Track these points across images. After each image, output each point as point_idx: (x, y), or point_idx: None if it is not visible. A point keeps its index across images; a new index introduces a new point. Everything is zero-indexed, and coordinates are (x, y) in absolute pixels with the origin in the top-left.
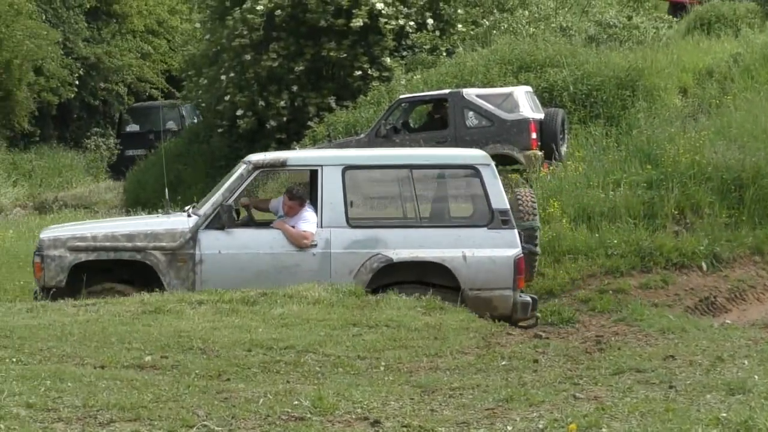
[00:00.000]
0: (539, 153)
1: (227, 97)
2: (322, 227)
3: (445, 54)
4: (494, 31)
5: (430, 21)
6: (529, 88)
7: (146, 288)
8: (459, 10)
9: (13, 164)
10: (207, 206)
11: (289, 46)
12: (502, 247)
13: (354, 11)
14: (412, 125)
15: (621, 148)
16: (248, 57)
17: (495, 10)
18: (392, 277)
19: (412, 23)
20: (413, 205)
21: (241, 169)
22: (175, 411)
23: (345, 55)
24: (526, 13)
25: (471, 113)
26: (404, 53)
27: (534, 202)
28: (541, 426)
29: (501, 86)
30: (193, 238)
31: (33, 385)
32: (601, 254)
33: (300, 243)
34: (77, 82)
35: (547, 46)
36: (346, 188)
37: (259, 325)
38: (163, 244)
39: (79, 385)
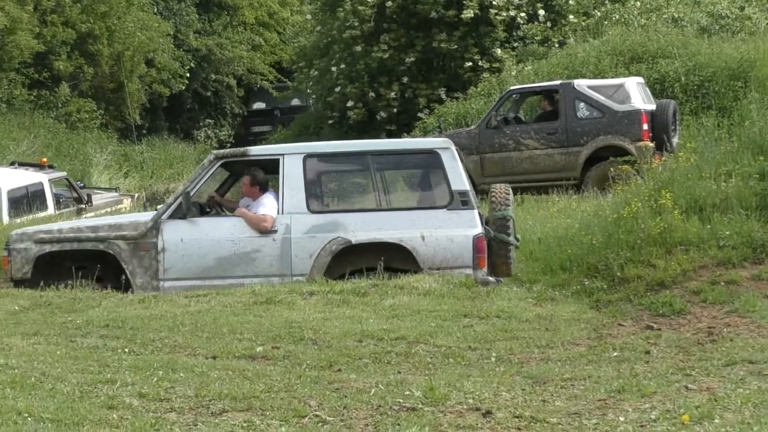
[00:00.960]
0: (650, 144)
1: (338, 89)
2: (283, 213)
3: (556, 45)
4: (605, 22)
5: (541, 12)
6: (640, 79)
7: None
8: (570, 1)
9: (124, 155)
10: (170, 197)
11: (400, 38)
12: (461, 227)
13: (465, 2)
14: (522, 117)
15: (733, 140)
16: (359, 48)
17: (606, 1)
18: (353, 260)
19: (523, 14)
20: (374, 190)
21: (204, 161)
22: (287, 401)
23: (455, 46)
24: (638, 3)
25: (582, 104)
26: (515, 44)
27: (507, 194)
28: (653, 417)
29: (612, 77)
30: (155, 227)
31: (145, 375)
32: (713, 246)
33: (260, 226)
34: (188, 75)
35: (659, 37)
36: (307, 175)
37: (370, 316)
38: (125, 233)
39: (191, 376)
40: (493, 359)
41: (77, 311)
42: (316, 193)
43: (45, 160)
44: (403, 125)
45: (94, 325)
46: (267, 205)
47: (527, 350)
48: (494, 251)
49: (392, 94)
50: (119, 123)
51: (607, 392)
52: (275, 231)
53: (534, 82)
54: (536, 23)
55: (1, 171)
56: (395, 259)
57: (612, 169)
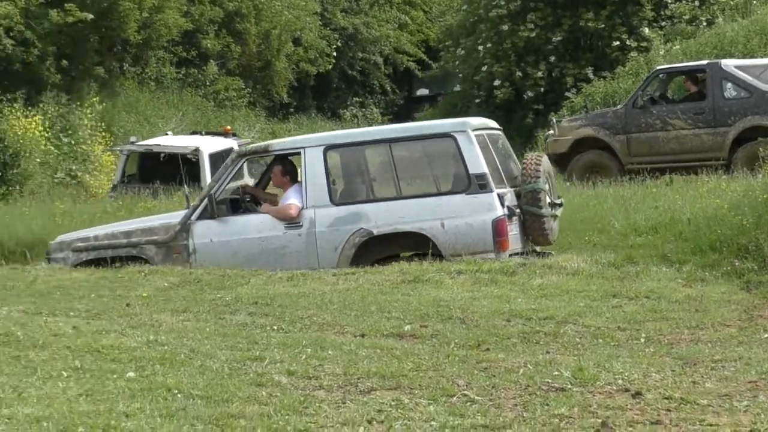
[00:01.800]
0: None
1: (484, 68)
2: (307, 208)
3: (704, 24)
4: (755, 2)
5: None
6: None
7: None
8: None
9: (272, 134)
10: (197, 198)
11: (547, 17)
12: (480, 212)
13: None
14: (669, 96)
15: None
16: (506, 27)
17: None
18: (377, 251)
19: None
20: (393, 179)
21: (227, 159)
22: (435, 380)
23: (603, 25)
24: None
25: (729, 84)
26: (663, 23)
27: (538, 165)
28: None
29: (761, 57)
30: (185, 229)
31: (294, 352)
32: None
33: (286, 215)
34: (335, 54)
35: None
36: (328, 168)
37: (518, 296)
38: (156, 237)
39: (339, 353)
40: (642, 340)
41: (226, 288)
42: (339, 185)
43: (229, 128)
44: (551, 104)
45: (243, 302)
46: (291, 196)
47: (677, 331)
48: (528, 224)
49: (539, 74)
50: (267, 101)
51: (758, 374)
52: (300, 225)
53: (682, 62)
54: (684, 2)
55: (200, 137)
56: (418, 246)
57: (761, 149)
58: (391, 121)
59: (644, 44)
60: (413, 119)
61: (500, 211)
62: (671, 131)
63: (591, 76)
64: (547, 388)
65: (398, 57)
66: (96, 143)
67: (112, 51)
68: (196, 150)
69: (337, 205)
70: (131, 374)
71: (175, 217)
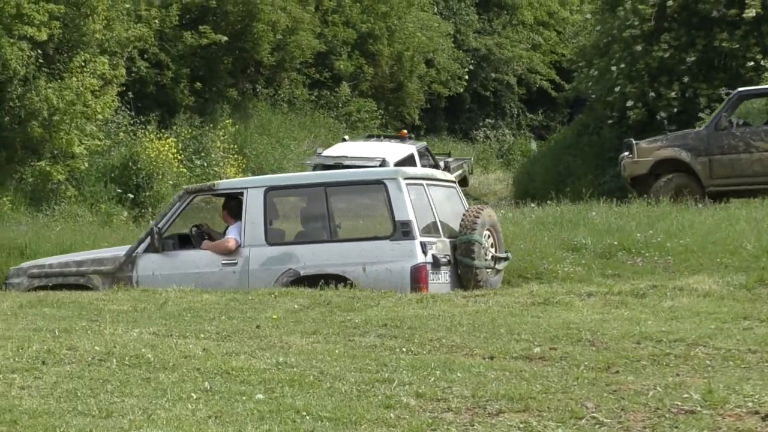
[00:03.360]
0: None
1: (617, 89)
2: (243, 246)
3: None
4: None
5: None
6: None
7: None
8: None
9: None
10: (143, 232)
11: (681, 37)
12: (400, 258)
13: (747, 1)
14: (750, 121)
15: None
16: (639, 48)
17: None
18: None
19: None
20: (326, 222)
21: (175, 196)
22: (564, 402)
23: (737, 45)
24: None
25: None
26: None
27: (476, 218)
28: None
29: None
30: (130, 261)
31: (423, 374)
32: None
33: (224, 248)
34: (467, 77)
35: None
36: (267, 208)
37: (649, 318)
38: (103, 268)
39: (468, 376)
40: None
41: (356, 310)
42: (274, 226)
43: (405, 131)
44: (683, 125)
45: (372, 324)
46: (231, 233)
47: None
48: (462, 275)
49: (672, 94)
50: (398, 123)
51: None
52: (235, 263)
53: None
54: None
55: (381, 144)
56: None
57: None
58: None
59: None
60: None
61: (420, 259)
62: (754, 153)
63: (725, 96)
64: (676, 410)
65: (531, 77)
66: (228, 165)
67: (245, 73)
68: (384, 161)
69: (271, 245)
70: (260, 396)
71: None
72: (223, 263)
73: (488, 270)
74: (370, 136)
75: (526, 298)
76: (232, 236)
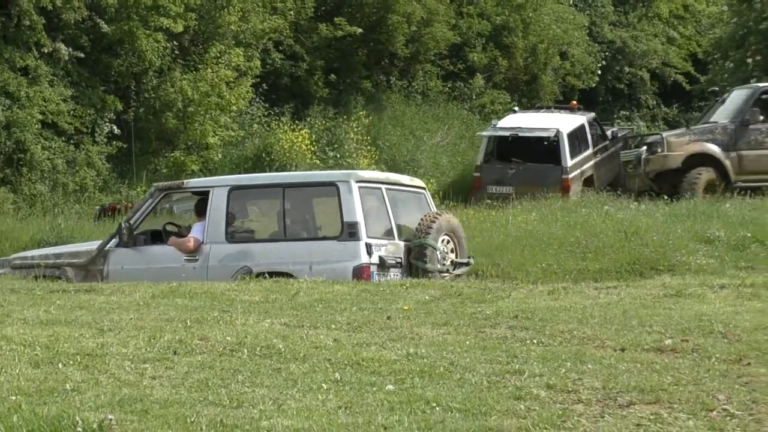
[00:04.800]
0: None
1: (753, 80)
2: (205, 243)
3: None
4: None
5: None
6: None
7: None
8: None
9: None
10: (116, 227)
11: None
12: (345, 258)
13: None
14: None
15: None
16: None
17: None
18: None
19: None
20: (280, 222)
21: (147, 193)
22: (695, 394)
23: None
24: None
25: None
26: None
27: (432, 223)
28: None
29: None
30: (102, 255)
31: (553, 366)
32: None
33: (184, 246)
34: (599, 72)
35: None
36: (229, 207)
37: None
38: (76, 261)
39: (599, 367)
40: None
41: (487, 302)
42: (235, 224)
43: (575, 102)
44: None
45: (503, 315)
46: (194, 231)
47: None
48: (414, 275)
49: None
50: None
51: None
52: (197, 259)
53: None
54: None
55: (553, 115)
56: None
57: None
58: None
59: None
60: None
61: (364, 259)
62: None
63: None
64: None
65: (666, 70)
66: (361, 157)
67: (379, 65)
68: (557, 132)
69: (230, 242)
70: (390, 387)
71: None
72: (185, 259)
73: (444, 274)
74: (540, 107)
75: (659, 290)
76: (193, 235)
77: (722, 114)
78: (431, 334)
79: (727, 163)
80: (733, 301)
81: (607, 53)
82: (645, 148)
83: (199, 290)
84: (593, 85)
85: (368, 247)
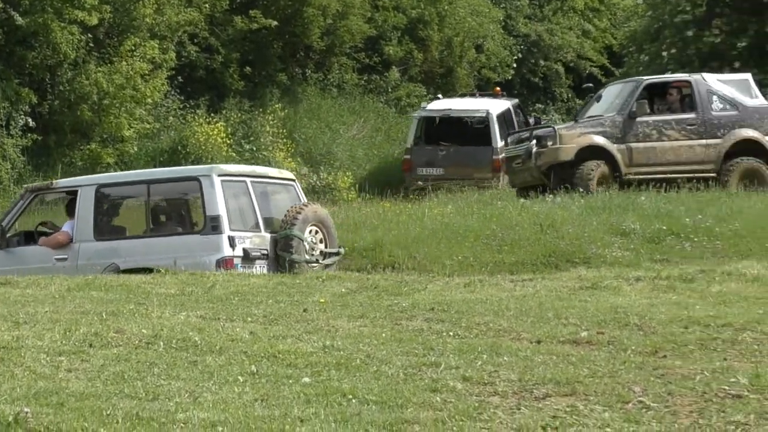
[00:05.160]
0: None
1: (668, 73)
2: (74, 242)
3: None
4: None
5: None
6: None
7: None
8: None
9: None
10: None
11: (732, 22)
12: (208, 251)
13: None
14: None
15: None
16: (690, 33)
17: None
18: None
19: None
20: (146, 218)
21: (18, 194)
22: (611, 386)
23: None
24: None
25: (715, 97)
26: None
27: (298, 214)
28: None
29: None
30: None
31: (470, 358)
32: None
33: (56, 241)
34: (515, 64)
35: None
36: (97, 205)
37: (697, 302)
38: None
39: (515, 360)
40: None
41: (403, 294)
42: (102, 222)
43: (498, 89)
44: None
45: (420, 308)
46: (64, 228)
47: None
48: (282, 267)
49: None
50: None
51: None
52: (66, 258)
53: None
54: None
55: (481, 99)
56: None
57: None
58: None
59: None
60: None
61: (227, 252)
62: (666, 142)
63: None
64: (723, 395)
65: (581, 63)
66: (277, 149)
67: (295, 57)
68: (488, 112)
69: (98, 240)
70: (307, 379)
71: None
72: (56, 258)
73: (312, 264)
74: (464, 94)
75: (574, 282)
76: (63, 230)
77: (608, 107)
78: (347, 326)
79: (618, 156)
80: (648, 294)
81: (522, 46)
82: (534, 142)
83: (115, 283)
84: (509, 77)
85: (231, 240)
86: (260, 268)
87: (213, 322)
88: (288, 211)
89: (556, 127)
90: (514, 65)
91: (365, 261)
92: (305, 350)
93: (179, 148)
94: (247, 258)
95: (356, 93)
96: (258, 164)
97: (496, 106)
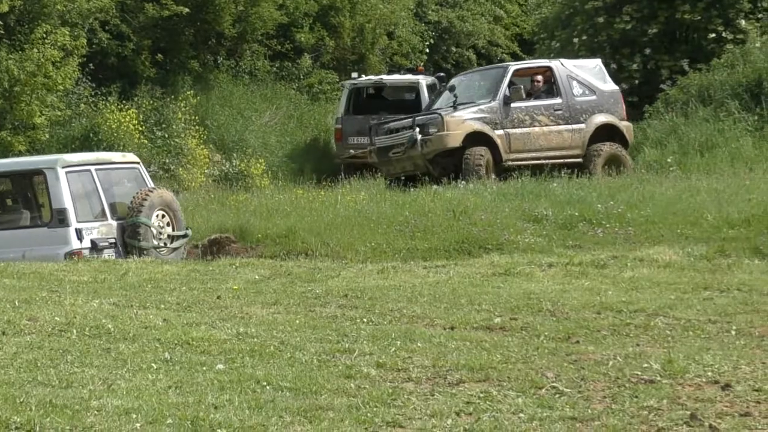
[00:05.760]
0: None
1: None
2: None
3: None
4: None
5: None
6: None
7: None
8: None
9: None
10: None
11: (643, 9)
12: (57, 244)
13: None
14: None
15: None
16: (601, 19)
17: None
18: None
19: None
20: None
21: None
22: (524, 372)
23: (699, 17)
24: None
25: (575, 83)
26: (760, 15)
27: (144, 200)
28: None
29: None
30: None
31: (383, 345)
32: None
33: None
34: (427, 51)
35: None
36: None
37: (609, 288)
38: None
39: (429, 346)
40: (733, 332)
41: (317, 281)
42: None
43: (421, 67)
44: (645, 97)
45: (333, 294)
46: None
47: None
48: (130, 253)
49: (634, 66)
50: None
51: None
52: None
53: None
54: None
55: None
56: None
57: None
58: None
59: (740, 36)
60: None
61: (74, 245)
62: (537, 127)
63: (686, 68)
64: (636, 380)
65: (492, 50)
66: (189, 137)
67: (206, 44)
68: (418, 81)
69: None
70: (220, 366)
71: None
72: None
73: (160, 249)
74: (390, 72)
75: (487, 268)
76: None
77: (476, 94)
78: (261, 313)
79: (499, 142)
80: (561, 280)
81: (433, 33)
82: (418, 129)
83: (28, 270)
84: (421, 64)
85: (78, 232)
86: (109, 256)
87: (126, 309)
88: (134, 197)
89: (442, 113)
90: (427, 51)
91: (279, 248)
92: (219, 337)
93: (91, 135)
94: (96, 248)
95: (268, 80)
96: (171, 151)
97: (424, 78)
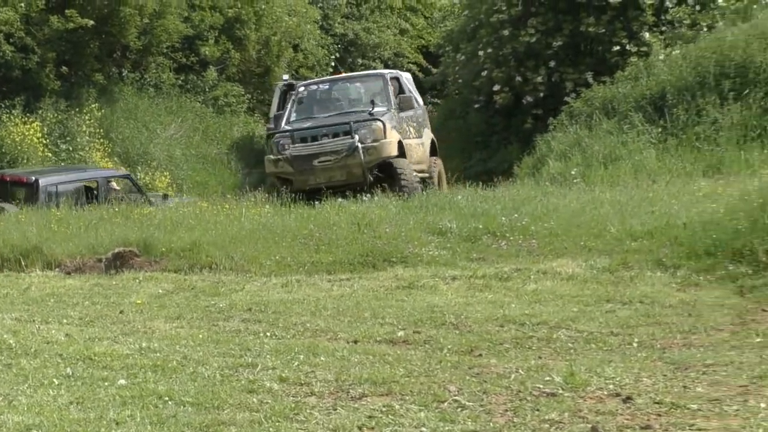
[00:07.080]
0: None
1: (484, 73)
2: None
3: (705, 29)
4: (755, 6)
5: None
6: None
7: None
8: None
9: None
10: None
11: (548, 22)
12: None
13: None
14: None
15: None
16: (506, 32)
17: None
18: None
19: None
20: None
21: None
22: (427, 386)
23: (603, 30)
24: None
25: None
26: (663, 28)
27: None
28: None
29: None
30: None
31: (287, 359)
32: None
33: None
34: (333, 64)
35: None
36: None
37: (512, 301)
38: None
39: (332, 360)
40: (634, 344)
41: (221, 295)
42: None
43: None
44: (550, 110)
45: (237, 308)
46: None
47: (669, 335)
48: None
49: (539, 79)
50: (266, 107)
51: (749, 378)
52: None
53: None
54: (685, 6)
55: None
56: None
57: None
58: None
59: (644, 49)
60: None
61: None
62: (411, 139)
63: (590, 80)
64: (538, 393)
65: (398, 61)
66: (94, 149)
67: (111, 57)
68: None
69: None
70: (123, 381)
71: None
72: None
73: None
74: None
75: (391, 281)
76: None
77: (359, 100)
78: (164, 327)
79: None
80: (464, 293)
81: (339, 45)
82: (357, 137)
83: None
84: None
85: None
86: None
87: (28, 324)
88: None
89: (383, 120)
90: (333, 64)
91: (183, 262)
92: (121, 352)
93: None
94: None
95: (173, 93)
96: (75, 164)
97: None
